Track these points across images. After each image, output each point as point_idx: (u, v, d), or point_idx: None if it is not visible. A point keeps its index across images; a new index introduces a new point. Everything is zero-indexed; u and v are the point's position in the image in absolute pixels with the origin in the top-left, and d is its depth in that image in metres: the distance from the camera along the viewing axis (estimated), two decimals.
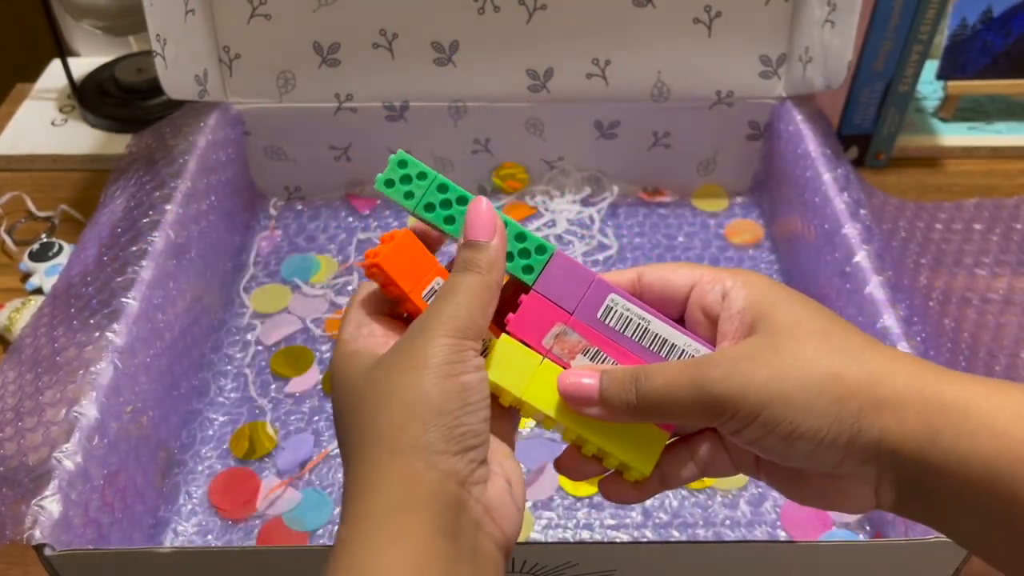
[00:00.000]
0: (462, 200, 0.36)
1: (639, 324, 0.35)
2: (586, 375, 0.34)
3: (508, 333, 0.35)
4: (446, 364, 0.31)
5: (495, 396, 0.35)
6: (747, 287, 0.34)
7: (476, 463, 0.31)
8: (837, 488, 0.33)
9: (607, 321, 0.35)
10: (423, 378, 0.31)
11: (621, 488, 0.37)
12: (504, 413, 0.36)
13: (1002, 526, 0.29)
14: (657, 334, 0.35)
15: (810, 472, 0.34)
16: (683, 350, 0.35)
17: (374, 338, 0.35)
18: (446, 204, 0.36)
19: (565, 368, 0.35)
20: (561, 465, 0.38)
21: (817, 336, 0.32)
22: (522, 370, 0.35)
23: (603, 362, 0.35)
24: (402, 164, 0.36)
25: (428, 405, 0.31)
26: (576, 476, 0.37)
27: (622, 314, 0.35)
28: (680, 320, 0.37)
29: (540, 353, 0.35)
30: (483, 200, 0.36)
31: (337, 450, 0.63)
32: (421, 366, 0.31)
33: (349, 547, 0.29)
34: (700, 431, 0.37)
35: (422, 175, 0.36)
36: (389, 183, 0.36)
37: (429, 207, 0.36)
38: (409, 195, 0.36)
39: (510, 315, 0.35)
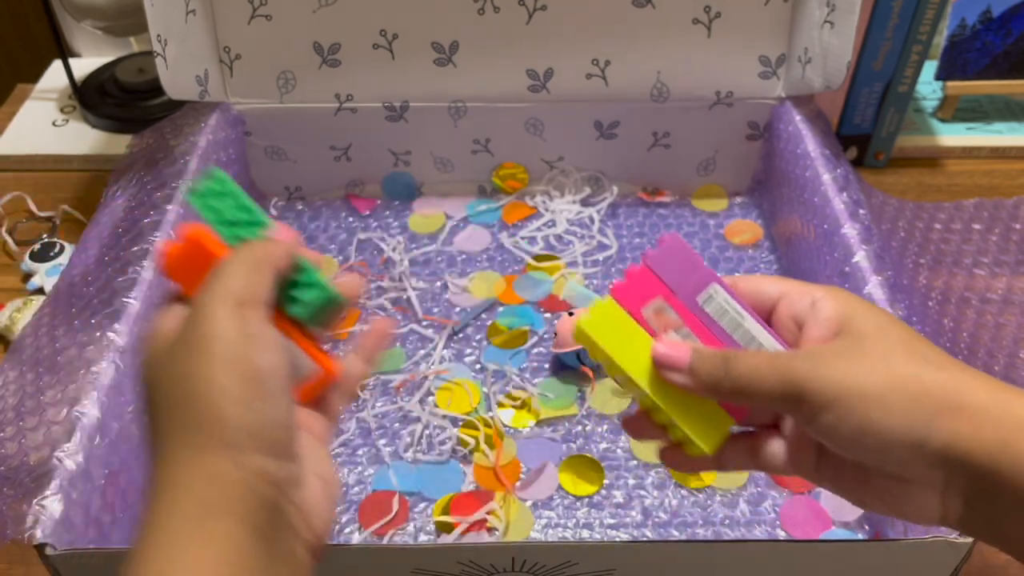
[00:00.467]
0: (257, 224, 0.38)
1: (733, 317, 0.37)
2: (681, 345, 0.35)
3: (612, 297, 0.36)
4: (233, 343, 0.29)
5: (589, 348, 0.36)
6: (836, 299, 0.35)
7: (286, 459, 0.30)
8: (903, 493, 0.33)
9: (705, 307, 0.37)
10: (211, 364, 0.29)
11: (679, 457, 0.38)
12: (313, 405, 0.36)
13: None
14: (748, 330, 0.36)
15: (875, 474, 0.34)
16: (769, 349, 0.37)
17: (173, 319, 0.33)
18: (244, 224, 0.37)
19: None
20: (629, 425, 0.39)
21: (902, 343, 0.33)
22: (618, 332, 0.36)
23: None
24: (217, 181, 0.37)
25: (224, 395, 0.29)
26: (639, 436, 0.39)
27: (720, 304, 0.37)
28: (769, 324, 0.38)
29: (637, 321, 0.36)
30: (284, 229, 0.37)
31: (338, 449, 0.63)
32: (206, 348, 0.29)
33: (151, 558, 0.28)
34: (767, 427, 0.38)
35: (229, 194, 0.37)
36: (198, 195, 0.37)
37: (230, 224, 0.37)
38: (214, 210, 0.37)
39: (616, 282, 0.37)
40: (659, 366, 0.35)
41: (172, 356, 0.30)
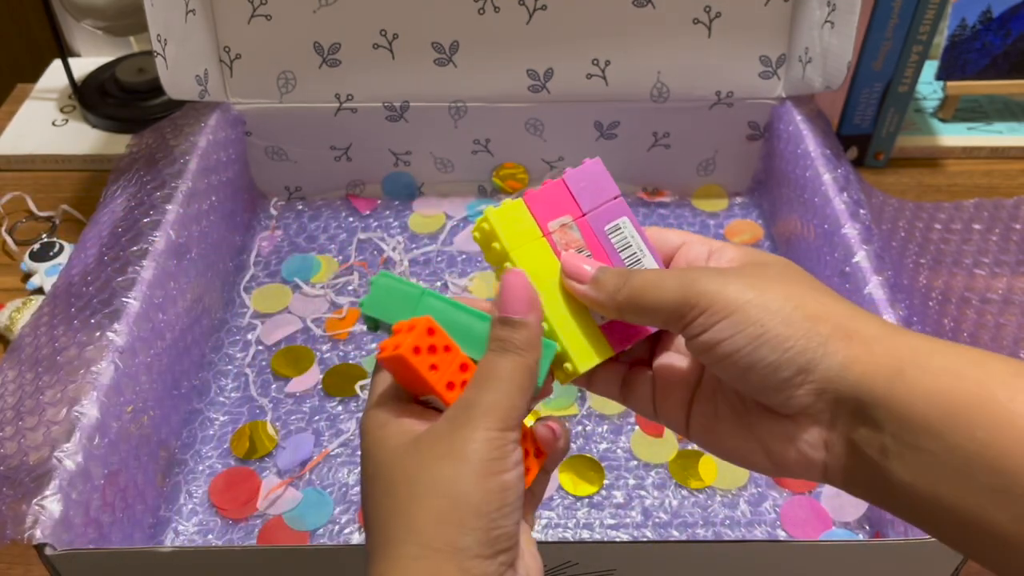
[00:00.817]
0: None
1: (635, 252, 0.37)
2: (588, 259, 0.36)
3: (523, 200, 0.36)
4: (488, 461, 0.30)
5: (487, 245, 0.36)
6: (736, 248, 0.36)
7: (506, 566, 0.30)
8: (783, 434, 0.32)
9: (610, 236, 0.37)
10: (463, 475, 0.30)
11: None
12: (529, 499, 0.36)
13: (953, 475, 0.28)
14: (646, 266, 0.37)
15: (755, 414, 0.33)
16: None
17: (406, 409, 0.33)
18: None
19: (556, 254, 0.36)
20: None
21: (803, 277, 0.33)
22: (521, 234, 0.36)
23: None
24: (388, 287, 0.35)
25: (467, 505, 0.29)
26: None
27: (625, 237, 0.37)
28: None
29: (542, 230, 0.36)
30: (520, 273, 0.35)
31: (337, 450, 0.63)
32: (461, 460, 0.30)
33: None
34: (642, 363, 0.38)
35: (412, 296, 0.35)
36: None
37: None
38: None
39: (529, 190, 0.37)
40: (565, 273, 0.36)
41: (416, 454, 0.31)
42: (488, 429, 0.31)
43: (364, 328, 0.72)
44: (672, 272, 0.34)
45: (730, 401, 0.35)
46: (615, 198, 0.37)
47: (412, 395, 0.34)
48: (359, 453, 0.63)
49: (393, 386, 0.34)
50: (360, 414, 0.66)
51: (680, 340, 0.38)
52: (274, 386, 0.68)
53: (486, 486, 0.30)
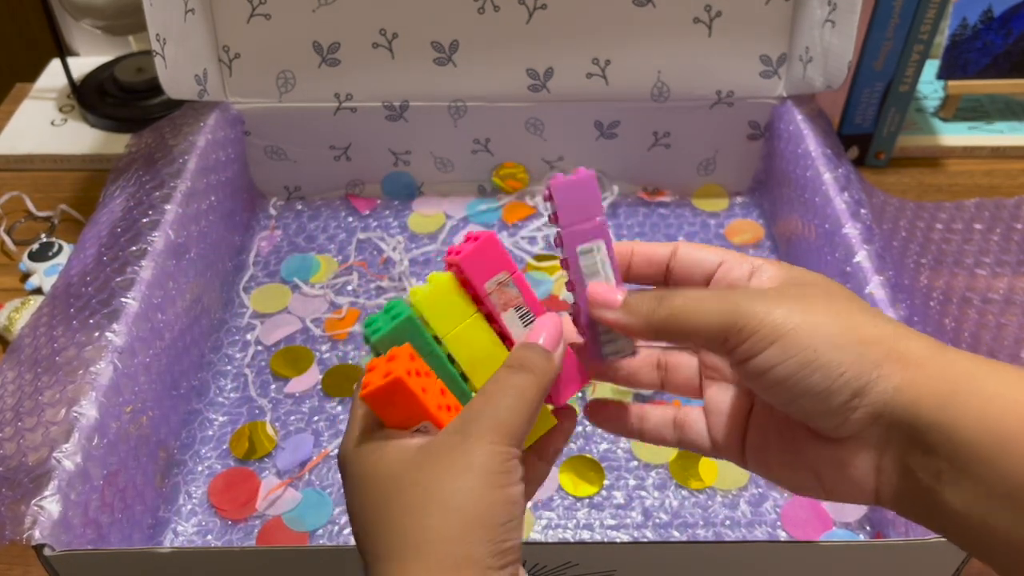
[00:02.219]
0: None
1: (601, 280, 0.36)
2: (613, 287, 0.35)
3: (456, 266, 0.35)
4: (497, 474, 0.30)
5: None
6: (777, 266, 0.34)
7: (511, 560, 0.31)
8: (836, 460, 0.32)
9: (581, 257, 0.36)
10: (471, 486, 0.30)
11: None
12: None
13: (1004, 502, 0.28)
14: None
15: (807, 439, 0.33)
16: None
17: (396, 433, 0.33)
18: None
19: (496, 318, 0.35)
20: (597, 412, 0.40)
21: (847, 296, 0.32)
22: (453, 314, 0.35)
23: (528, 323, 0.36)
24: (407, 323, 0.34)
25: (476, 517, 0.29)
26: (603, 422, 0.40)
27: (595, 262, 0.36)
28: None
29: (479, 295, 0.35)
30: (556, 316, 0.35)
31: (336, 451, 0.63)
32: (467, 472, 0.30)
33: None
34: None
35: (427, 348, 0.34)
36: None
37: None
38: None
39: (464, 247, 0.34)
40: (592, 303, 0.35)
41: (421, 467, 0.31)
42: (494, 443, 0.31)
43: (364, 328, 0.72)
44: (713, 293, 0.33)
45: (779, 428, 0.35)
46: (598, 219, 0.36)
47: (397, 427, 0.33)
48: None
49: (375, 419, 0.33)
50: None
51: (725, 369, 0.38)
52: (273, 386, 0.68)
53: (494, 498, 0.30)
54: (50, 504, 0.46)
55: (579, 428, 0.65)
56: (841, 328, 0.30)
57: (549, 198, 0.35)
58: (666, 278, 0.37)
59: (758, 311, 0.31)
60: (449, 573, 0.29)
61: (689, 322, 0.32)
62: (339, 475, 0.61)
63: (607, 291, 0.35)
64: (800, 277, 0.34)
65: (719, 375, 0.38)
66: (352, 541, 0.57)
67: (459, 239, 0.80)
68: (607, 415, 0.39)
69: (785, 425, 0.34)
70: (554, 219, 0.35)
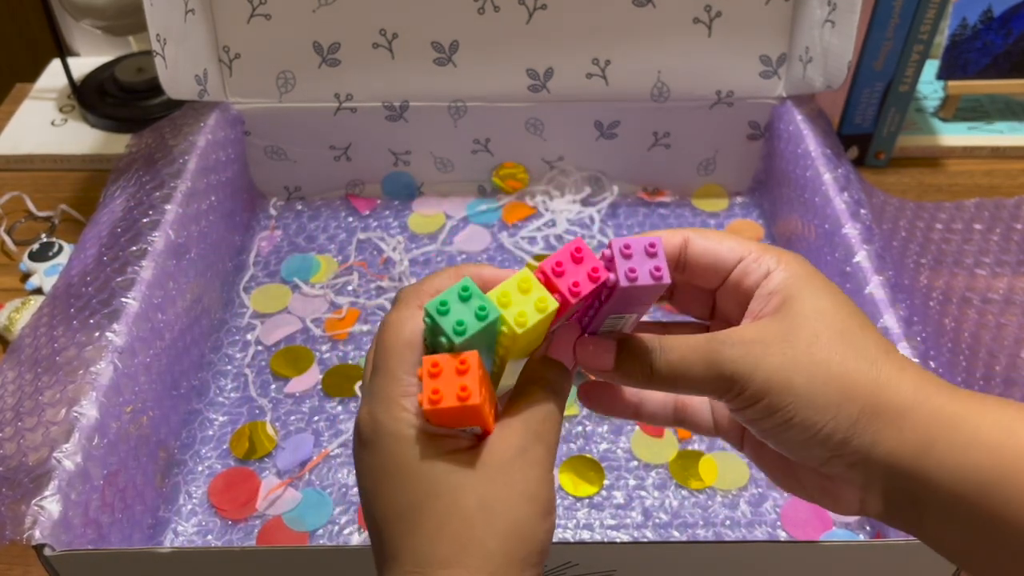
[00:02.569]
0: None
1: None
2: (605, 343, 0.34)
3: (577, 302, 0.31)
4: (549, 501, 0.31)
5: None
6: (787, 270, 0.34)
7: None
8: (821, 484, 0.33)
9: (606, 321, 0.35)
10: (534, 513, 0.30)
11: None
12: None
13: (987, 540, 0.29)
14: None
15: (797, 466, 0.34)
16: None
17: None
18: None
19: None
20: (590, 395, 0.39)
21: (834, 332, 0.32)
22: (532, 341, 0.33)
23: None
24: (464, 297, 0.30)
25: (534, 543, 0.30)
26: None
27: (617, 326, 0.35)
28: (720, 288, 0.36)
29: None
30: (575, 326, 0.35)
31: (336, 451, 0.63)
32: (532, 499, 0.30)
33: None
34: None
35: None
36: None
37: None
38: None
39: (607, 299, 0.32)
40: (582, 360, 0.34)
41: (479, 480, 0.30)
42: (550, 470, 0.31)
43: (364, 328, 0.72)
44: (696, 347, 0.32)
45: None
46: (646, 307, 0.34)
47: (443, 425, 0.31)
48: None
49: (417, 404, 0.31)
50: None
51: None
52: (273, 386, 0.68)
53: (546, 526, 0.30)
54: (50, 504, 0.46)
55: (579, 428, 0.65)
56: (821, 381, 0.31)
57: (610, 263, 0.31)
58: (681, 270, 0.36)
59: (742, 371, 0.31)
60: (499, 551, 0.29)
61: (680, 381, 0.33)
62: (338, 475, 0.62)
63: (597, 349, 0.34)
64: (797, 305, 0.33)
65: None
66: (352, 542, 0.58)
67: (459, 239, 0.80)
68: (600, 397, 0.39)
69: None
70: (599, 289, 0.32)
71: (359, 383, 0.67)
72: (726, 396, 0.32)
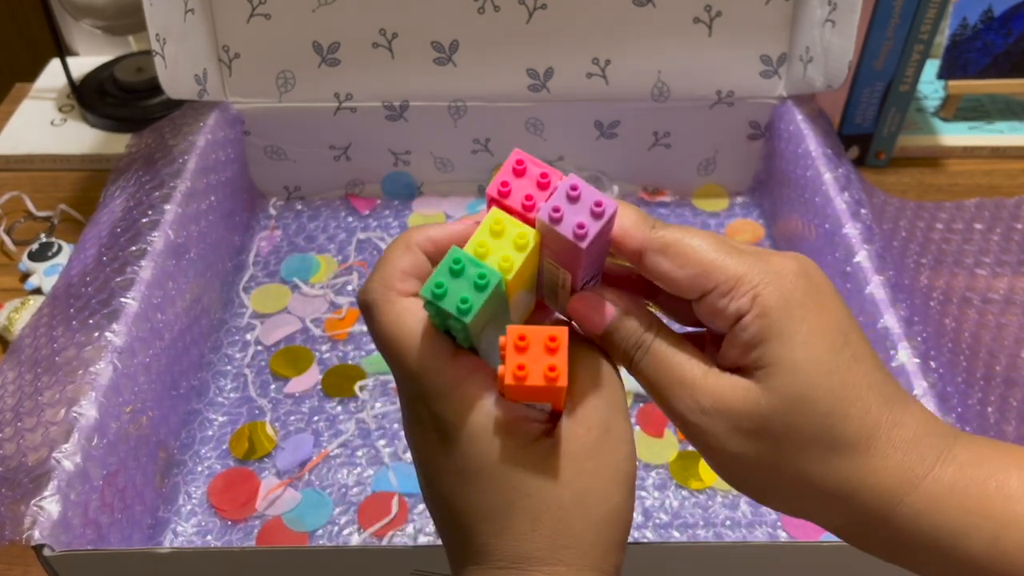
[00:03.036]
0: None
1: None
2: (602, 307, 0.31)
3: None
4: (634, 476, 0.30)
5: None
6: (762, 315, 0.29)
7: None
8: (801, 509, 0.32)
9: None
10: (623, 497, 0.30)
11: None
12: None
13: (968, 572, 0.29)
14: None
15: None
16: None
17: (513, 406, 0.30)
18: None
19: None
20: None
21: (823, 392, 0.28)
22: (529, 274, 0.31)
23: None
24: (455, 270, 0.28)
25: (627, 524, 0.30)
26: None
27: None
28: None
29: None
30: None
31: (336, 451, 0.63)
32: (624, 482, 0.30)
33: None
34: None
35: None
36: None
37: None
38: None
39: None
40: (574, 318, 0.32)
41: (568, 468, 0.29)
42: (633, 443, 0.30)
43: (364, 328, 0.72)
44: (681, 386, 0.30)
45: None
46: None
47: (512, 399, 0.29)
48: (358, 453, 0.63)
49: (485, 379, 0.29)
50: (360, 414, 0.65)
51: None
52: (273, 386, 0.68)
53: (633, 503, 0.30)
54: (50, 504, 0.46)
55: None
56: (789, 474, 0.29)
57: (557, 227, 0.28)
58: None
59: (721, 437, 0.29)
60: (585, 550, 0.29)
61: (654, 392, 0.31)
62: (338, 475, 0.62)
63: (592, 310, 0.31)
64: (774, 371, 0.29)
65: None
66: (351, 542, 0.58)
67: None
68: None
69: None
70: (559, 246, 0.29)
71: (358, 383, 0.67)
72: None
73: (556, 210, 0.27)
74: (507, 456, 0.29)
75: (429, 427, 0.30)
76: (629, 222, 0.30)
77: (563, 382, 0.27)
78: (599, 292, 0.32)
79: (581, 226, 0.27)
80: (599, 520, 0.29)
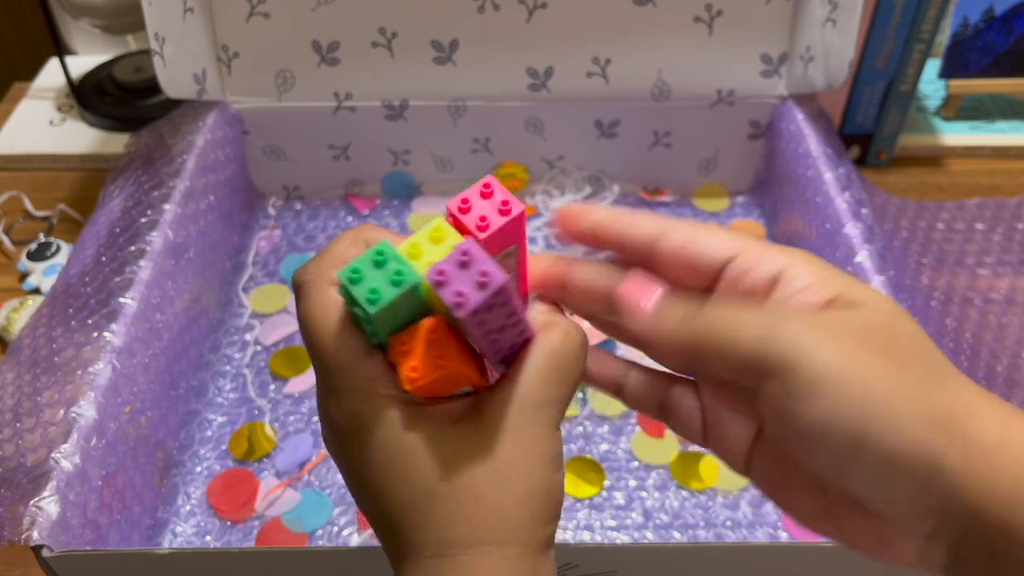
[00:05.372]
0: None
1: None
2: (650, 285, 0.29)
3: (469, 234, 0.29)
4: (559, 455, 0.29)
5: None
6: (809, 265, 0.27)
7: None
8: (873, 534, 0.27)
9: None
10: (545, 472, 0.28)
11: None
12: None
13: None
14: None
15: (839, 507, 0.28)
16: None
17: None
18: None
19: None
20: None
21: (910, 336, 0.26)
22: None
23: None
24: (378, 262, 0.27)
25: (554, 498, 0.29)
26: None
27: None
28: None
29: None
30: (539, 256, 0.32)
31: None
32: (545, 458, 0.29)
33: None
34: (685, 384, 0.31)
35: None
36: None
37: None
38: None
39: (488, 219, 0.29)
40: (619, 301, 0.30)
41: (487, 449, 0.28)
42: (555, 425, 0.29)
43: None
44: (756, 311, 0.27)
45: (802, 472, 0.28)
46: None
47: (432, 396, 0.29)
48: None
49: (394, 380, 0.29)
50: None
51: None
52: (272, 387, 0.68)
53: (559, 477, 0.29)
54: (48, 505, 0.46)
55: (579, 429, 0.64)
56: (906, 393, 0.24)
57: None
58: (649, 267, 0.30)
59: (804, 350, 0.24)
60: (535, 558, 0.28)
61: (720, 346, 0.27)
62: (338, 475, 0.61)
63: (640, 289, 0.29)
64: (849, 293, 0.26)
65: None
66: (351, 542, 0.57)
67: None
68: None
69: (812, 474, 0.28)
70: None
71: None
72: (772, 381, 0.25)
73: (441, 273, 0.26)
74: (424, 438, 0.28)
75: (344, 423, 0.29)
76: (639, 220, 0.30)
77: (454, 365, 0.27)
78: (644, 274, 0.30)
79: (460, 294, 0.26)
80: (522, 496, 0.28)
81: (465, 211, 0.29)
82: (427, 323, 0.28)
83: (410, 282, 0.27)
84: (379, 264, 0.27)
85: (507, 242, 0.30)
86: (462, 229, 0.29)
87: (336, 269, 0.28)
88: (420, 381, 0.27)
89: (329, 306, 0.29)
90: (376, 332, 0.28)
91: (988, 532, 0.24)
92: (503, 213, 0.29)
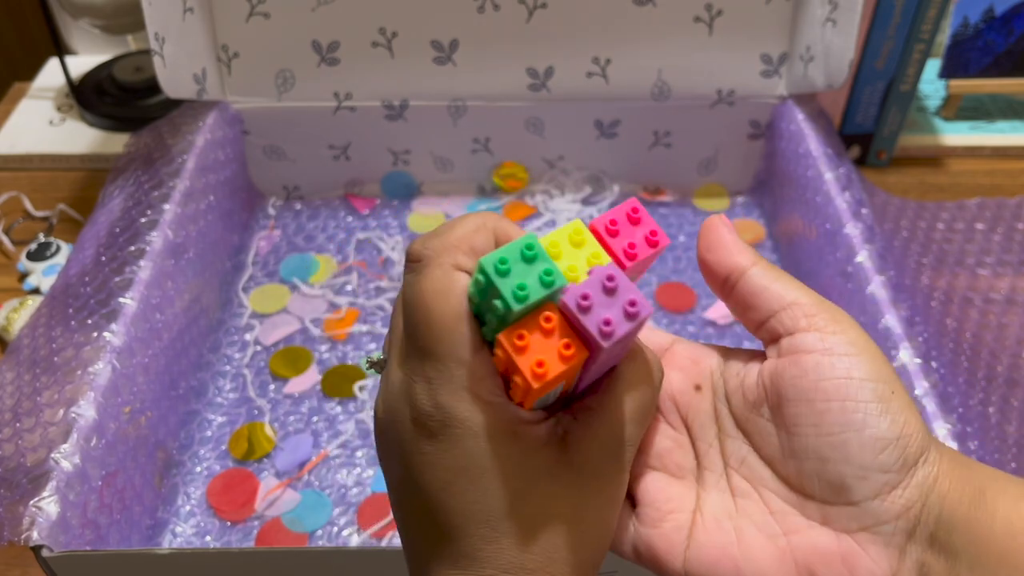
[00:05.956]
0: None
1: None
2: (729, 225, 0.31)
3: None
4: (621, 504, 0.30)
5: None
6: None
7: None
8: (838, 556, 0.28)
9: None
10: (616, 516, 0.30)
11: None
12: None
13: None
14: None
15: (800, 530, 0.29)
16: None
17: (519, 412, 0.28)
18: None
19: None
20: None
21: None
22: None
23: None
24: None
25: (610, 542, 0.30)
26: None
27: None
28: None
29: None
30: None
31: (336, 452, 0.63)
32: (618, 503, 0.30)
33: None
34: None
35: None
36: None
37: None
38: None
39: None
40: (709, 229, 0.30)
41: (570, 484, 0.28)
42: (628, 469, 0.30)
43: (363, 328, 0.72)
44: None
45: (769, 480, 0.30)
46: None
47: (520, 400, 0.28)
48: (358, 454, 0.63)
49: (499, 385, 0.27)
50: (359, 414, 0.65)
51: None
52: (272, 387, 0.68)
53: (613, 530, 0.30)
54: (48, 505, 0.46)
55: None
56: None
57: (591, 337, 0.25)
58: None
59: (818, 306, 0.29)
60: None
61: (754, 298, 0.29)
62: (338, 476, 0.61)
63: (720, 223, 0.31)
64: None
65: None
66: (351, 543, 0.57)
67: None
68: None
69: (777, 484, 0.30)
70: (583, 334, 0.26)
71: (358, 384, 0.67)
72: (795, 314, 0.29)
73: (585, 297, 0.25)
74: (514, 458, 0.27)
75: (427, 411, 0.27)
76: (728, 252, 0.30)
77: (583, 351, 0.25)
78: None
79: (607, 323, 0.25)
80: (593, 539, 0.28)
81: (613, 234, 0.28)
82: (544, 311, 0.26)
83: (558, 285, 0.25)
84: (528, 259, 0.25)
85: (639, 271, 0.29)
86: (609, 252, 0.28)
87: (461, 252, 0.27)
88: (548, 376, 0.25)
89: (451, 288, 0.27)
90: (498, 328, 0.26)
91: (951, 535, 0.26)
92: (651, 244, 0.28)
